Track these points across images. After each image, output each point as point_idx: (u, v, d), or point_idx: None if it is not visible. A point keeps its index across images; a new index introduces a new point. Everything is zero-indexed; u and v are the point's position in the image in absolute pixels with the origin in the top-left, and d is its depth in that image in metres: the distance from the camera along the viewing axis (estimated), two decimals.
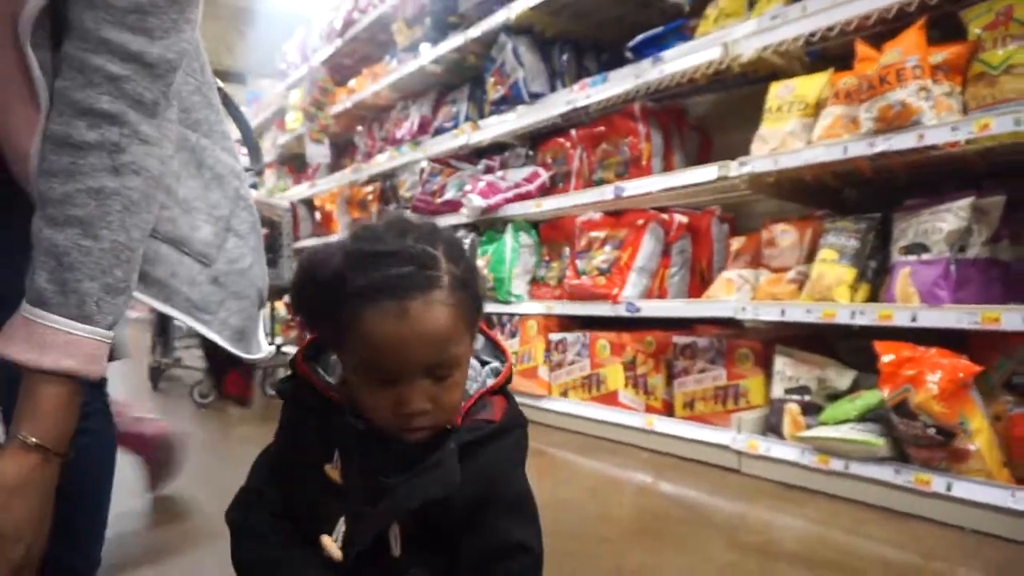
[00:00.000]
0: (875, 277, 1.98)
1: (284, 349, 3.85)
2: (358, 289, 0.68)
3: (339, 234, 4.66)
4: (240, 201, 0.94)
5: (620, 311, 2.54)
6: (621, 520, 1.84)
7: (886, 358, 1.75)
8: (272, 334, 3.82)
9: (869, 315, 1.84)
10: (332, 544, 0.74)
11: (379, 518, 0.76)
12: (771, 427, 2.08)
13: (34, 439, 0.69)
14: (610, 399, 2.59)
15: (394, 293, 0.67)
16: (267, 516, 0.77)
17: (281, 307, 4.10)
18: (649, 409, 2.48)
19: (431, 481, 0.74)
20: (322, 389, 0.76)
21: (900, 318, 1.77)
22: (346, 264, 0.69)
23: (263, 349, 0.99)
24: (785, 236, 2.22)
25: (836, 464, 1.84)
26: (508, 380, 0.82)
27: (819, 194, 2.25)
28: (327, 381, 0.77)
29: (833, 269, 1.98)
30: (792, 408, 2.01)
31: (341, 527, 0.75)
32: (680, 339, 2.40)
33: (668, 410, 2.44)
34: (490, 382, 0.81)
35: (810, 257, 2.12)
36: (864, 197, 2.21)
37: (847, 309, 1.89)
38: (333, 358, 0.80)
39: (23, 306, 0.70)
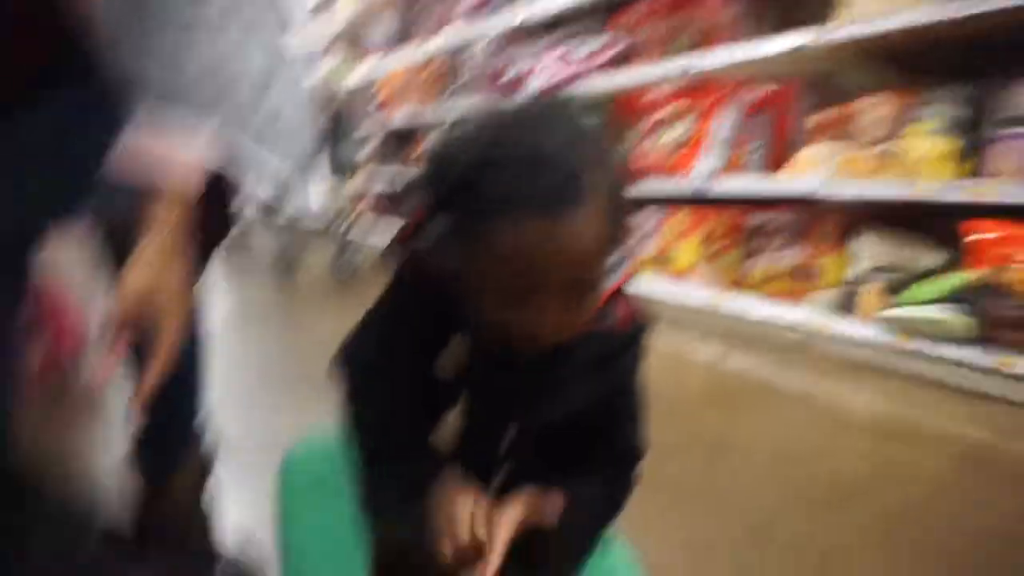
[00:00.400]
0: (971, 152, 1.87)
1: (351, 236, 3.92)
2: (497, 197, 0.59)
3: (403, 115, 4.63)
4: (281, 53, 0.93)
5: (694, 188, 2.49)
6: (693, 392, 1.90)
7: (977, 236, 1.69)
8: (342, 219, 3.89)
9: (962, 191, 1.76)
10: (444, 441, 0.76)
11: (496, 428, 0.77)
12: (847, 306, 2.07)
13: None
14: (681, 276, 2.60)
15: (539, 207, 0.57)
16: (387, 385, 0.76)
17: (349, 188, 4.15)
18: (721, 287, 2.48)
19: (558, 399, 0.74)
20: (440, 275, 0.70)
21: (997, 194, 1.69)
22: (483, 161, 0.60)
23: (303, 209, 0.99)
24: (874, 109, 2.10)
25: (913, 345, 1.83)
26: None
27: (912, 63, 2.10)
28: (444, 268, 0.69)
29: (926, 143, 1.89)
30: (872, 287, 1.98)
31: (455, 420, 0.76)
32: (757, 216, 2.36)
33: (740, 288, 2.43)
34: (615, 277, 0.73)
35: (900, 131, 2.01)
36: (962, 65, 2.05)
37: (938, 185, 1.81)
38: (440, 228, 0.71)
39: (117, 147, 0.74)
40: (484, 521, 0.68)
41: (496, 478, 0.82)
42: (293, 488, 0.78)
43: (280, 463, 0.80)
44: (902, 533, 1.14)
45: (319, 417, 0.81)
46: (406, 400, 0.77)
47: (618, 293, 0.74)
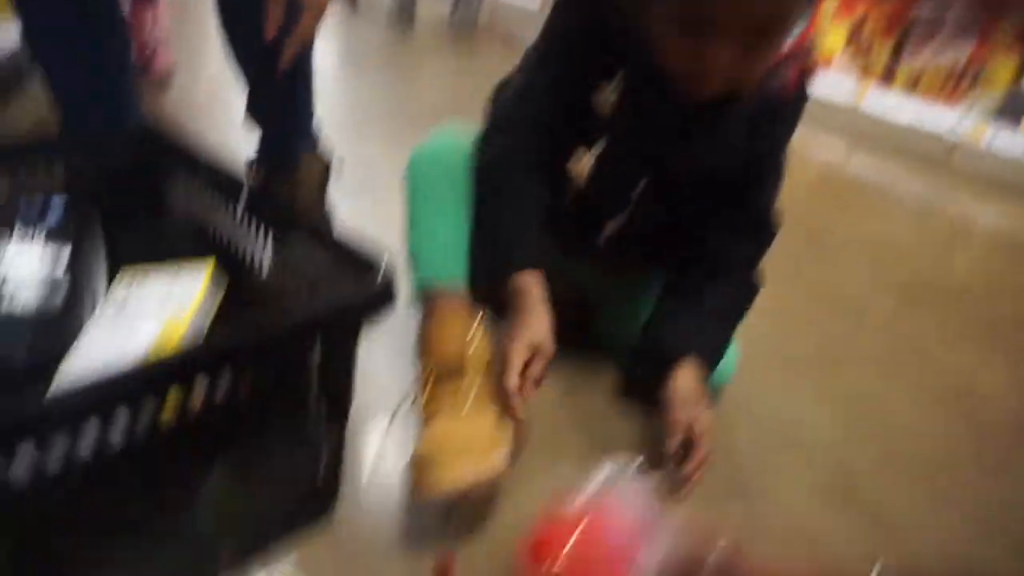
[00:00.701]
0: None
1: None
2: None
3: None
4: None
5: None
6: (808, 185, 1.82)
7: None
8: None
9: None
10: (582, 166, 0.75)
11: (639, 169, 0.75)
12: (1008, 116, 1.86)
13: None
14: (822, 64, 2.37)
15: None
16: (531, 118, 0.74)
17: None
18: (865, 81, 2.26)
19: (710, 150, 0.72)
20: (612, 6, 0.66)
21: None
22: None
23: None
24: None
25: None
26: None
27: None
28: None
29: None
30: None
31: (597, 150, 0.73)
32: (926, 3, 2.06)
33: (887, 84, 2.21)
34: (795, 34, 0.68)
35: None
36: None
37: None
38: None
39: None
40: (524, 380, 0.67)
41: (613, 224, 0.82)
42: (418, 182, 0.78)
43: (409, 158, 0.80)
44: (995, 338, 1.11)
45: None
46: (547, 134, 0.74)
47: (792, 55, 0.68)
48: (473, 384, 0.68)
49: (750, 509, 0.73)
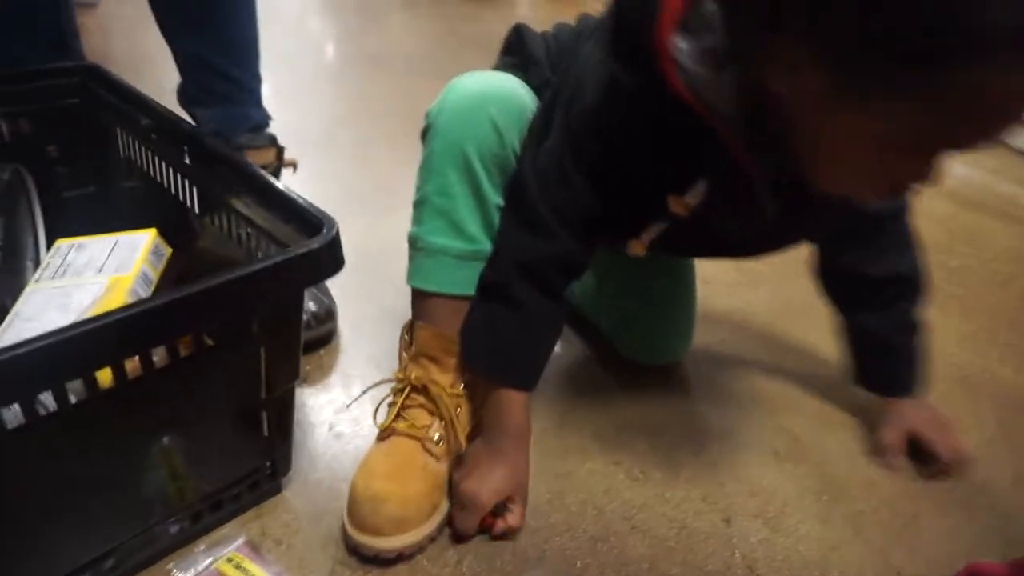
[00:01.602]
0: None
1: None
2: (995, 30, 0.37)
3: None
4: None
5: None
6: None
7: None
8: None
9: None
10: (640, 246, 0.65)
11: (705, 247, 0.74)
12: None
13: None
14: None
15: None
16: (570, 229, 0.63)
17: None
18: None
19: (805, 227, 0.69)
20: (691, 101, 0.51)
21: None
22: None
23: None
24: None
25: None
26: None
27: None
28: (705, 96, 0.51)
29: None
30: None
31: (652, 234, 0.64)
32: None
33: None
34: None
35: None
36: None
37: None
38: (703, 45, 0.50)
39: None
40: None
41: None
42: (444, 142, 0.65)
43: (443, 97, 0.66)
44: (948, 290, 1.13)
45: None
46: (590, 243, 0.66)
47: None
48: (438, 431, 0.65)
49: (704, 469, 0.76)
